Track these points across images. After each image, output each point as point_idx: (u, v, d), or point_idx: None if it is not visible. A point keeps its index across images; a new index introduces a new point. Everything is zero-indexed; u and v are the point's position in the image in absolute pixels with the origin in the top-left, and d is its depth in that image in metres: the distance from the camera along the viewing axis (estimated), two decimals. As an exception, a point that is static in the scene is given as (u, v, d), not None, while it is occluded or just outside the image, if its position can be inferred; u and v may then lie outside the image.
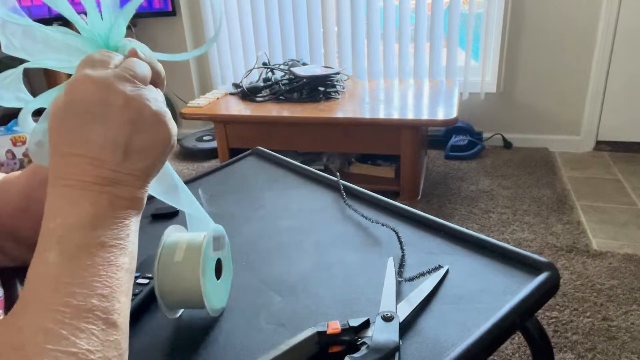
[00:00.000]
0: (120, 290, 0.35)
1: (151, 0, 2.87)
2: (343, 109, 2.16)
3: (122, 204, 0.37)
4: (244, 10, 2.88)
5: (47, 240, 0.34)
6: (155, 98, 0.39)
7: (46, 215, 0.36)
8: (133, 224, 0.38)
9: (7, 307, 0.56)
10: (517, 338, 1.37)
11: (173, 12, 2.90)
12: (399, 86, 2.58)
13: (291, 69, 2.38)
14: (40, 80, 3.10)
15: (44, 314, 0.31)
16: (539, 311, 1.46)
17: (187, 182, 0.85)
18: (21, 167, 2.68)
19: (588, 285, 1.58)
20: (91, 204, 0.35)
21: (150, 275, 0.55)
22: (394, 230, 0.63)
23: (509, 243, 0.58)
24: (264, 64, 2.55)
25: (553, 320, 1.44)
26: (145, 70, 0.40)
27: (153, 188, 0.44)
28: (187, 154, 2.91)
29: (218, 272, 0.51)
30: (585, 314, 1.46)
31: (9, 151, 2.64)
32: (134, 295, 0.52)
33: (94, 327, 0.32)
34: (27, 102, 0.43)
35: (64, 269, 0.33)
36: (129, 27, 2.99)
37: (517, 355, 1.33)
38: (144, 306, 0.53)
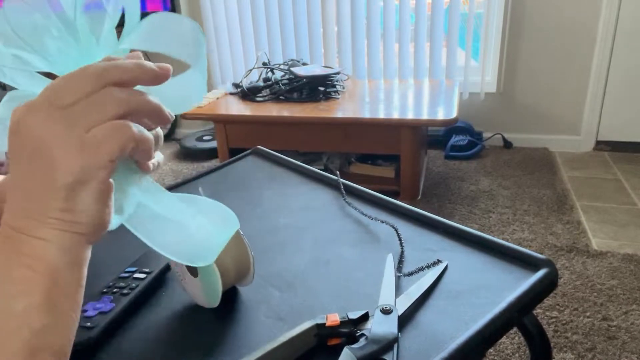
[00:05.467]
0: None
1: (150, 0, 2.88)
2: (343, 109, 2.17)
3: None
4: (244, 10, 2.89)
5: None
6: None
7: None
8: None
9: None
10: (517, 338, 1.37)
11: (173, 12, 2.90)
12: (399, 86, 2.58)
13: (291, 68, 2.38)
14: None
15: None
16: (539, 311, 1.46)
17: (187, 182, 0.85)
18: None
19: (588, 285, 1.58)
20: None
21: (147, 270, 0.55)
22: (393, 227, 0.63)
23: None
24: (264, 63, 2.55)
25: (553, 320, 1.44)
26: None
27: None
28: (187, 154, 2.91)
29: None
30: (585, 314, 1.46)
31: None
32: (131, 289, 0.53)
33: None
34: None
35: None
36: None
37: (516, 355, 1.33)
38: (143, 300, 0.54)
